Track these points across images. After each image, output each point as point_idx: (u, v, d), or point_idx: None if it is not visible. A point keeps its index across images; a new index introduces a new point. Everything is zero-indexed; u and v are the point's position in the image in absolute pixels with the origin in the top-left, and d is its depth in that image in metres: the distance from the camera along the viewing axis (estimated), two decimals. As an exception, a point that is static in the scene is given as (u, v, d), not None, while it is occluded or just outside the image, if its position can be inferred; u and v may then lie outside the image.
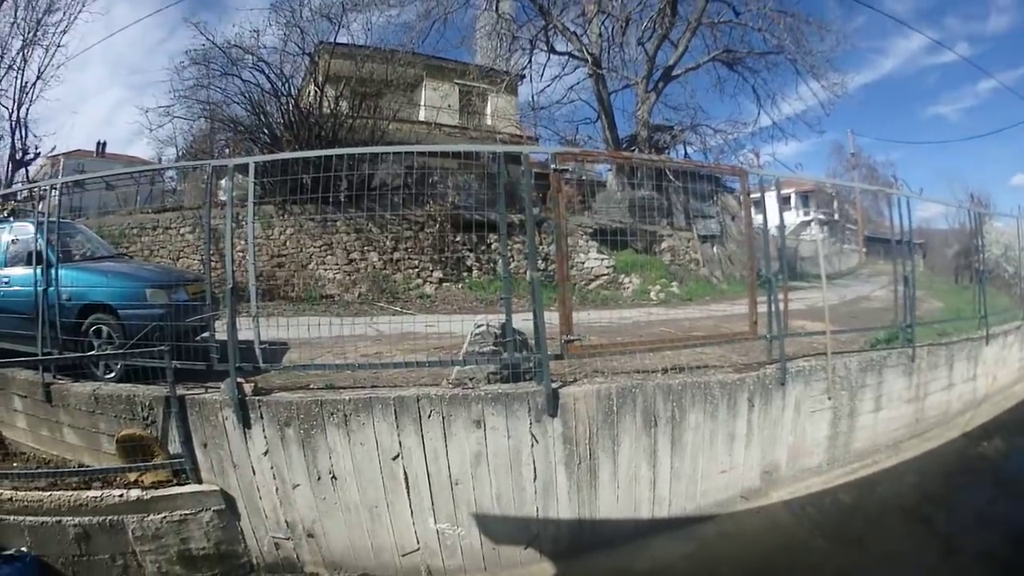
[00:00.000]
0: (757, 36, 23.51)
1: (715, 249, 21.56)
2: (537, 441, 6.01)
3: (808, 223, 54.00)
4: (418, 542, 6.03)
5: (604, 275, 17.65)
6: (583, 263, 17.65)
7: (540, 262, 13.86)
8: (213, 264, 8.31)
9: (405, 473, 5.85)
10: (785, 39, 22.74)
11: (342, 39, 19.84)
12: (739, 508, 7.44)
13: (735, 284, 19.02)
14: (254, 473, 5.86)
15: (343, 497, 5.92)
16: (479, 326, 6.48)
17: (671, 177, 20.17)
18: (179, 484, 5.83)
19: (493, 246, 13.78)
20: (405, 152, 12.17)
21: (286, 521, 5.99)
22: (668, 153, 24.66)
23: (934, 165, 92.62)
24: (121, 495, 5.57)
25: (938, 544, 7.36)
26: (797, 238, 37.56)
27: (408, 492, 5.89)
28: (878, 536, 7.34)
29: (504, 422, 5.90)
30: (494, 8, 23.80)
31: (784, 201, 53.70)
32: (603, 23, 23.89)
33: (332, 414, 5.75)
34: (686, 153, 25.78)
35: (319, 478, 5.86)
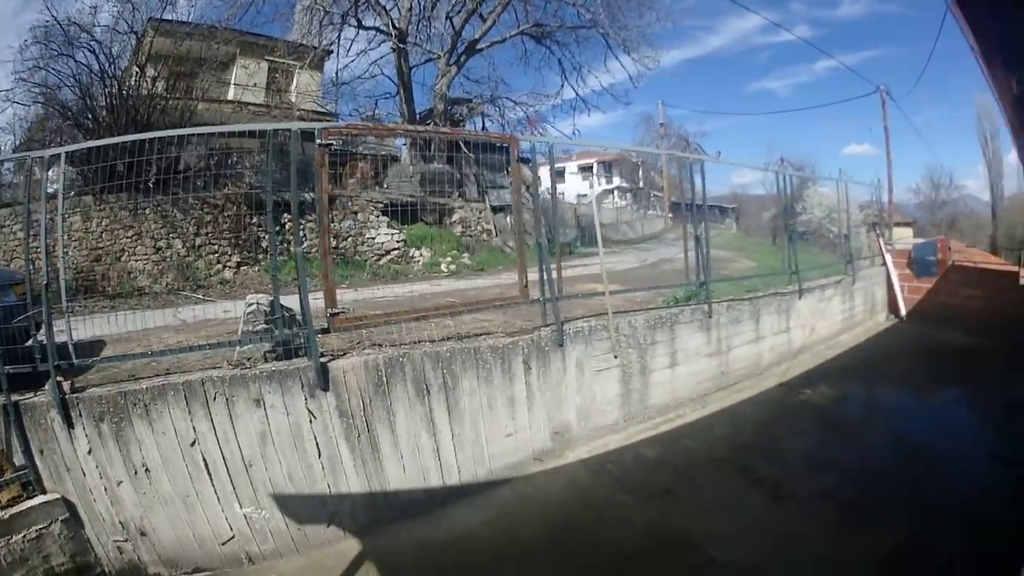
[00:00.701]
0: (571, 10, 24.45)
1: (508, 219, 22.38)
2: (315, 417, 6.37)
3: (610, 191, 56.83)
4: (231, 529, 6.24)
5: (395, 249, 18.39)
6: (374, 238, 18.24)
7: (332, 239, 14.25)
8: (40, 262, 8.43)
9: (204, 459, 6.04)
10: (600, 14, 24.06)
11: (172, 19, 19.64)
12: (534, 470, 7.97)
13: (528, 252, 19.96)
14: (84, 475, 5.87)
15: (159, 490, 6.02)
16: (250, 305, 6.65)
17: (464, 149, 21.49)
18: (28, 497, 5.73)
19: (288, 226, 13.93)
20: (199, 134, 12.35)
21: (120, 522, 6.01)
22: (464, 126, 25.57)
23: (762, 137, 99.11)
24: (-21, 520, 5.48)
25: (764, 491, 7.71)
26: (598, 206, 39.93)
27: (211, 478, 6.10)
28: (690, 487, 7.71)
29: (281, 399, 6.20)
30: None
31: (586, 170, 55.83)
32: (412, -4, 24.48)
33: (135, 405, 5.86)
34: (484, 126, 26.73)
35: (136, 472, 5.93)
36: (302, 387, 6.30)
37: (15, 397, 5.75)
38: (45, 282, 6.05)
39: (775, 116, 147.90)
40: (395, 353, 6.91)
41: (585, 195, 51.21)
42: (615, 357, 8.95)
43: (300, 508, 6.43)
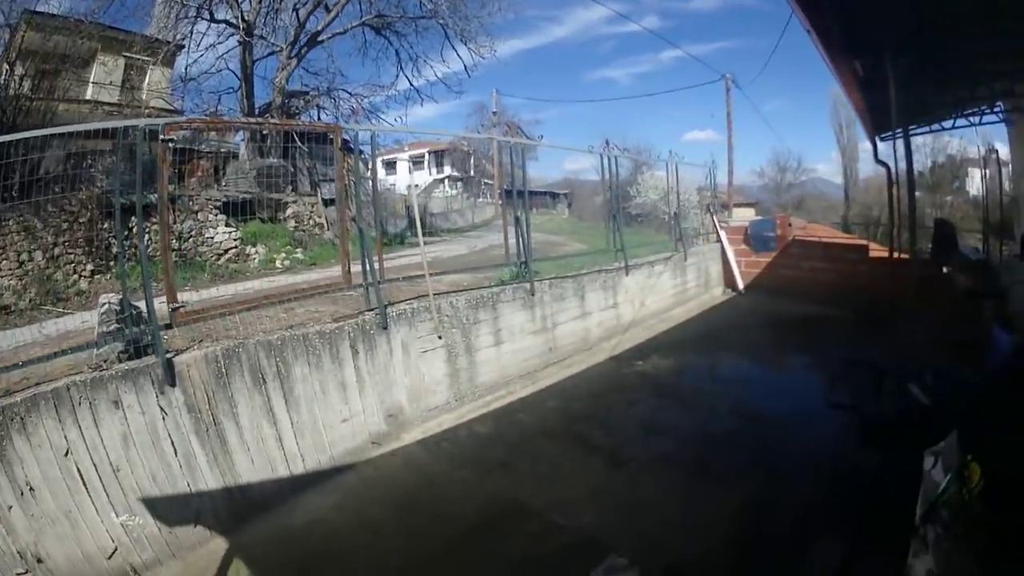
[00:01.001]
0: (413, 0, 27.46)
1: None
2: (167, 414, 7.30)
3: (441, 181, 60.89)
4: (113, 541, 6.80)
5: (232, 248, 19.78)
6: (213, 238, 19.51)
7: (175, 241, 16.61)
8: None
9: (78, 469, 6.66)
10: (442, 4, 27.12)
11: (45, 11, 21.13)
12: (374, 454, 9.46)
13: (356, 244, 21.76)
14: None
15: (45, 509, 6.47)
16: (103, 305, 7.62)
17: (298, 141, 23.59)
18: None
19: (136, 230, 13.96)
20: (59, 135, 12.76)
21: (17, 551, 6.32)
22: (300, 119, 28.02)
23: (600, 126, 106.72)
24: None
25: (602, 458, 9.00)
26: (428, 195, 44.47)
27: (87, 489, 6.71)
28: (526, 459, 9.09)
29: (136, 399, 7.06)
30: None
31: (416, 161, 59.51)
32: (266, -12, 26.25)
33: (12, 420, 6.33)
34: (319, 118, 29.21)
35: (22, 493, 6.35)
36: (153, 384, 7.26)
37: None
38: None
39: (617, 105, 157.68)
40: (231, 344, 8.15)
41: (417, 185, 54.11)
42: (439, 337, 10.78)
43: (168, 511, 7.27)
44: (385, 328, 9.97)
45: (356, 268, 10.47)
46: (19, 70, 19.16)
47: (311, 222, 23.32)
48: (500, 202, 45.94)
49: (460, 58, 31.02)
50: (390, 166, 66.75)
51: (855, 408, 6.98)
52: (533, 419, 10.66)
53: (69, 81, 21.93)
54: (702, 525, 6.96)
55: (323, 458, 8.98)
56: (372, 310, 10.02)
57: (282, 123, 24.19)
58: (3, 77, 18.80)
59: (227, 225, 19.99)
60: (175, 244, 17.53)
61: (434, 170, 67.77)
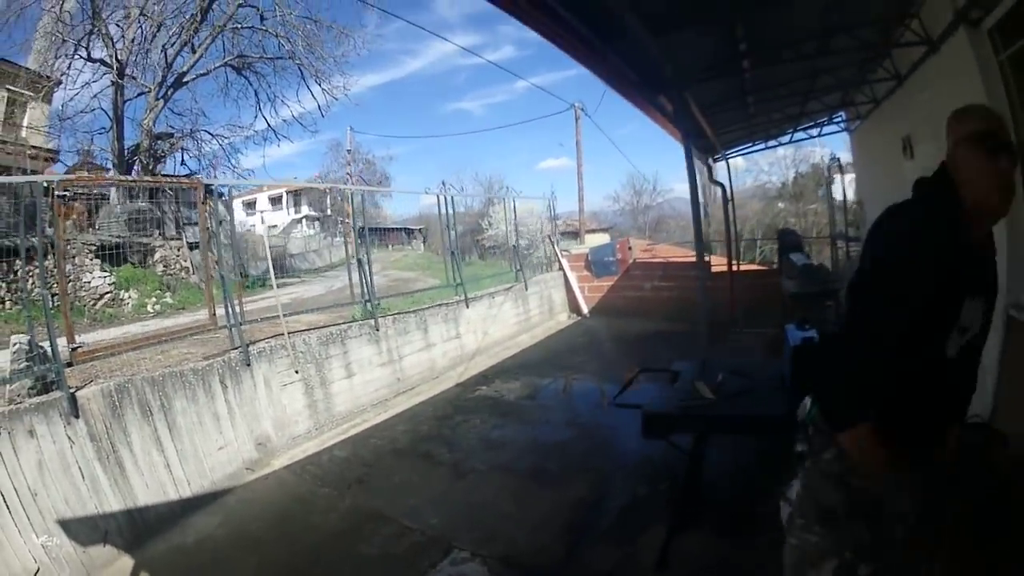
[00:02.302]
0: (273, 41, 29.87)
1: (207, 254, 24.86)
2: (74, 442, 8.48)
3: (299, 221, 62.65)
4: (35, 561, 7.70)
5: (108, 292, 20.93)
6: (89, 282, 20.58)
7: (55, 284, 17.39)
8: None
9: (2, 494, 7.64)
10: (298, 44, 29.66)
11: None
12: (249, 479, 10.74)
13: (219, 286, 22.94)
14: None
15: None
16: (15, 345, 8.84)
17: (163, 187, 24.54)
18: None
19: (20, 273, 15.38)
20: None
21: None
22: (165, 161, 30.59)
23: (454, 158, 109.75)
24: None
25: (446, 470, 10.24)
26: (287, 236, 46.19)
27: (10, 511, 7.67)
28: (379, 475, 10.40)
29: (48, 429, 8.24)
30: (59, 6, 26.63)
31: (275, 200, 61.38)
32: (140, 27, 28.44)
33: None
34: (183, 160, 31.83)
35: None
36: (60, 416, 8.44)
37: None
38: None
39: (473, 137, 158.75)
40: (122, 380, 9.52)
41: (276, 226, 55.79)
42: (296, 372, 12.30)
43: (80, 531, 8.33)
44: (248, 364, 11.51)
45: (222, 311, 12.31)
46: None
47: (178, 266, 24.69)
48: (357, 241, 48.09)
49: (314, 98, 34.30)
50: (250, 206, 68.55)
51: (639, 407, 7.52)
52: (385, 441, 12.08)
53: None
54: (536, 520, 8.10)
55: (205, 482, 10.31)
56: (236, 348, 11.54)
57: (153, 180, 25.20)
58: None
59: (102, 270, 21.19)
60: (55, 288, 18.72)
61: (292, 209, 70.40)
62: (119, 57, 28.30)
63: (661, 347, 16.77)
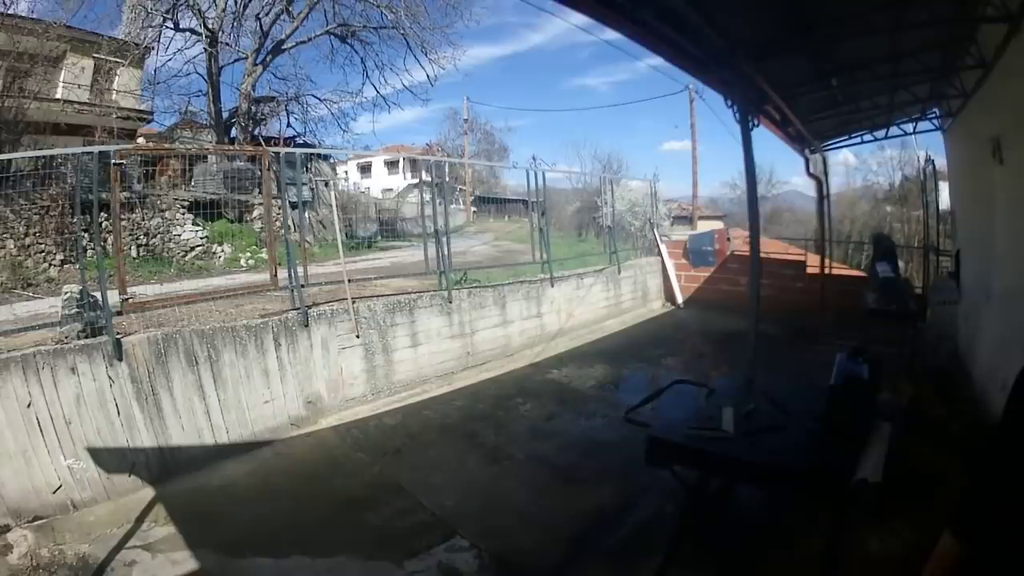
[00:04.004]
0: (376, 11, 29.00)
1: (307, 214, 25.87)
2: (114, 382, 9.04)
3: (415, 186, 62.67)
4: (59, 479, 8.46)
5: (199, 246, 21.63)
6: (180, 235, 21.34)
7: (143, 236, 19.13)
8: None
9: (37, 418, 8.35)
10: (401, 14, 28.69)
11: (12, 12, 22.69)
12: (292, 434, 11.00)
13: (326, 247, 23.47)
14: None
15: (5, 447, 8.17)
16: (66, 294, 9.40)
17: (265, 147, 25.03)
18: None
19: (105, 225, 15.16)
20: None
21: None
22: (266, 124, 30.74)
23: (574, 134, 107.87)
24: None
25: (483, 453, 10.08)
26: (401, 200, 46.12)
27: (43, 435, 8.40)
28: (417, 448, 10.37)
29: (90, 368, 8.83)
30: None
31: (391, 164, 61.45)
32: (230, -2, 27.41)
33: None
34: (289, 123, 31.87)
35: None
36: (104, 358, 9.03)
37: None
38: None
39: (594, 114, 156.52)
40: (171, 331, 9.92)
41: (391, 189, 57.19)
42: (357, 336, 12.35)
43: (108, 460, 8.97)
44: (306, 325, 11.62)
45: (312, 270, 12.85)
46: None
47: (277, 223, 24.94)
48: (473, 209, 48.39)
49: (423, 68, 32.97)
50: (365, 169, 69.85)
51: (646, 426, 6.94)
52: (436, 415, 11.89)
53: (39, 82, 23.58)
54: (548, 522, 7.83)
55: (245, 432, 10.62)
56: (296, 309, 11.70)
57: (219, 147, 26.60)
58: None
59: (194, 224, 21.84)
60: (143, 240, 19.82)
61: (408, 175, 69.21)
62: (210, 26, 28.40)
63: (741, 350, 14.33)
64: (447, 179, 63.73)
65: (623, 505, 8.14)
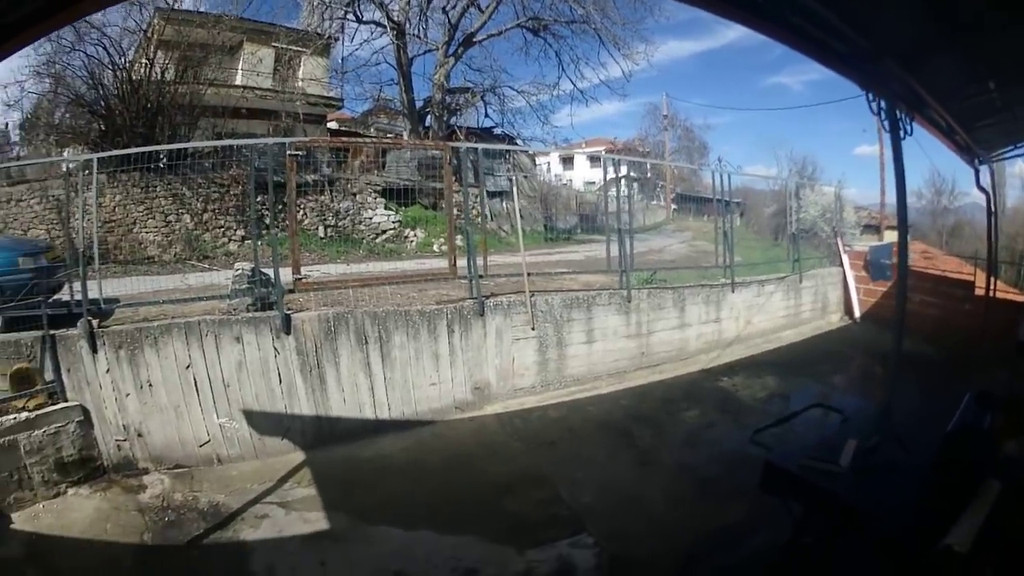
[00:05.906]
0: (565, 5, 28.34)
1: (504, 204, 25.92)
2: (279, 353, 9.63)
3: (618, 180, 61.73)
4: (208, 435, 9.28)
5: (391, 229, 21.94)
6: (371, 218, 21.82)
7: (332, 217, 19.73)
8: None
9: (195, 379, 9.15)
10: (590, 8, 27.84)
11: (180, 7, 23.63)
12: (455, 417, 11.16)
13: (524, 237, 22.63)
14: (100, 388, 8.86)
15: (158, 401, 9.03)
16: (236, 271, 10.14)
17: (461, 137, 25.08)
18: (52, 403, 8.53)
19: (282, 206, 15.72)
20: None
21: (123, 425, 8.92)
22: (461, 115, 30.20)
23: (769, 134, 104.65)
24: (15, 418, 8.02)
25: (634, 454, 9.84)
26: (603, 194, 44.24)
27: (198, 394, 9.20)
28: (572, 442, 10.23)
29: (255, 339, 9.47)
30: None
31: (594, 159, 60.98)
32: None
33: (147, 337, 9.01)
34: (486, 113, 31.12)
35: (141, 387, 9.00)
36: (271, 330, 9.61)
37: (52, 332, 8.79)
38: (82, 250, 9.88)
39: (788, 113, 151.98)
40: (342, 310, 10.33)
41: (593, 183, 56.17)
42: (532, 329, 12.27)
43: (262, 423, 9.60)
44: (481, 315, 11.67)
45: (509, 259, 13.32)
46: (159, 59, 21.61)
47: (474, 211, 24.94)
48: (673, 207, 47.59)
49: (617, 63, 31.93)
50: (567, 161, 68.93)
51: (768, 449, 6.26)
52: (600, 412, 11.60)
53: (215, 69, 24.46)
54: (673, 531, 7.56)
55: (407, 411, 10.88)
56: (473, 298, 11.75)
57: (396, 141, 27.19)
58: (143, 68, 21.30)
59: (386, 208, 22.23)
60: (332, 221, 20.43)
61: (610, 169, 68.18)
62: (395, 19, 28.29)
63: (921, 379, 12.50)
64: (647, 175, 63.47)
65: (750, 529, 7.48)
